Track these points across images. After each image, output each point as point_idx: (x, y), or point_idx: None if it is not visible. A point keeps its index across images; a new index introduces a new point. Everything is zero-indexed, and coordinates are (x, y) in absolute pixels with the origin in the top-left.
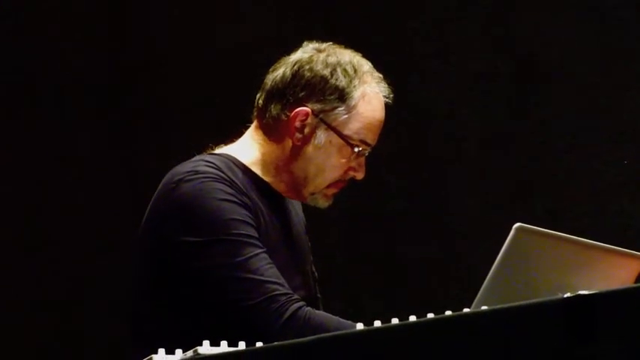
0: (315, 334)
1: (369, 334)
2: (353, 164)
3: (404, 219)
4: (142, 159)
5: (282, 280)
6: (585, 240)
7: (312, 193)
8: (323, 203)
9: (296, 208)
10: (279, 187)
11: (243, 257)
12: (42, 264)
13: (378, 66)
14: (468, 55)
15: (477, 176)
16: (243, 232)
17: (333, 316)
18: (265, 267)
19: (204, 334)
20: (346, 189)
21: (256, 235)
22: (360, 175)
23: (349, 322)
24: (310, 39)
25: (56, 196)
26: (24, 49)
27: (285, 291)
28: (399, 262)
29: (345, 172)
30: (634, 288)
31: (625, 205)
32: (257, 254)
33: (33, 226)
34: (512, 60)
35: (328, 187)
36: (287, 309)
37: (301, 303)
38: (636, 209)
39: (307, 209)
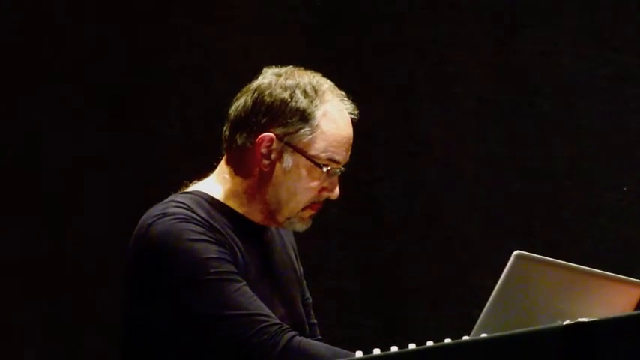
0: None
1: None
2: (325, 184)
3: (403, 246)
4: (143, 163)
5: (268, 311)
6: (585, 267)
7: (288, 218)
8: (300, 227)
9: (281, 234)
10: (255, 216)
11: (226, 295)
12: (42, 265)
13: (379, 90)
14: (468, 80)
15: (476, 202)
16: (221, 269)
17: (328, 345)
18: (249, 301)
19: None
20: (345, 215)
21: (234, 269)
22: (334, 196)
23: (345, 351)
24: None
25: (57, 199)
26: (23, 51)
27: (274, 321)
28: (398, 289)
29: (319, 193)
30: (634, 315)
31: (625, 231)
32: (238, 289)
33: (32, 228)
34: (512, 84)
35: (304, 209)
36: (279, 339)
37: (293, 332)
38: (636, 236)
39: (306, 237)
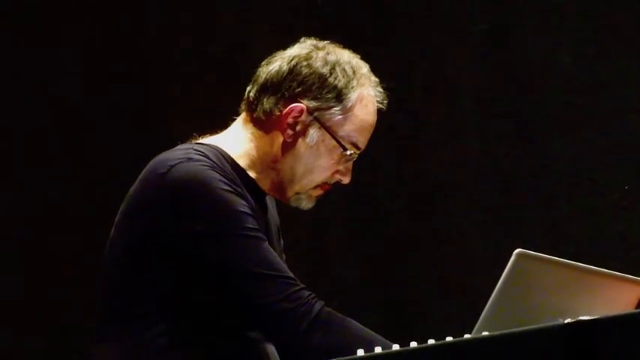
0: (339, 335)
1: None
2: (341, 167)
3: (404, 245)
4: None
5: (295, 277)
6: (586, 265)
7: (297, 193)
8: (306, 204)
9: (271, 208)
10: (264, 184)
11: (259, 254)
12: (42, 265)
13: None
14: (468, 80)
15: (477, 201)
16: (252, 225)
17: (353, 321)
18: (279, 262)
19: (212, 332)
20: (347, 215)
21: (259, 227)
22: (346, 180)
23: (370, 331)
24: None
25: (57, 202)
26: (23, 49)
27: (304, 287)
28: (400, 287)
29: (332, 174)
30: (635, 313)
31: (626, 230)
32: (268, 249)
33: (33, 227)
34: (511, 84)
35: (314, 188)
36: (312, 307)
37: (323, 302)
38: (637, 234)
39: (307, 234)
